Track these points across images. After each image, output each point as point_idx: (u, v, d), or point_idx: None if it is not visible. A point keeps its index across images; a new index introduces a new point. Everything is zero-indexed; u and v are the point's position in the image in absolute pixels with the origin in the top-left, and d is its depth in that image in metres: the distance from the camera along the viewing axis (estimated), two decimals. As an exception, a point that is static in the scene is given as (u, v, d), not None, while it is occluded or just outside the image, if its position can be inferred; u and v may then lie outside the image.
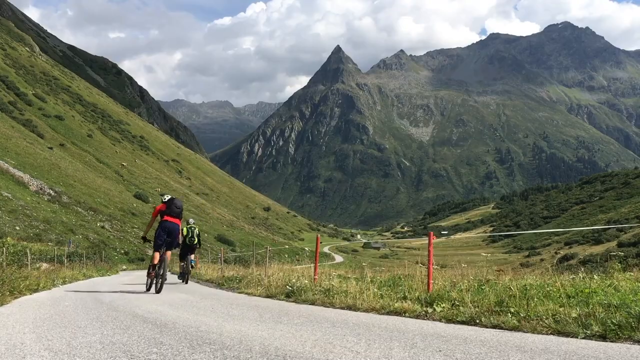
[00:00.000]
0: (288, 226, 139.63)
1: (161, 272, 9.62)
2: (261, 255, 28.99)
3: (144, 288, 10.58)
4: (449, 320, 5.12)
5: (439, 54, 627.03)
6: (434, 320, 5.27)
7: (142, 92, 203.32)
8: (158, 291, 9.51)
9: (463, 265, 8.66)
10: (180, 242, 14.15)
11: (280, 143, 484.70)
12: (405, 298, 6.27)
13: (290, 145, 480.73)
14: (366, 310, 6.27)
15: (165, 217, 9.80)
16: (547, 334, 4.15)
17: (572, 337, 3.98)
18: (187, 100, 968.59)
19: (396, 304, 6.02)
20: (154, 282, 9.81)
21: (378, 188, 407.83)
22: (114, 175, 75.10)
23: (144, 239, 10.60)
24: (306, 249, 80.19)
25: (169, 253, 9.99)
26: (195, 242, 14.83)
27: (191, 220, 15.45)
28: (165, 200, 10.04)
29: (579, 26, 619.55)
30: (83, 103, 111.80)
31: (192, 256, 15.29)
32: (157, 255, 9.59)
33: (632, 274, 6.44)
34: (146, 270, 11.74)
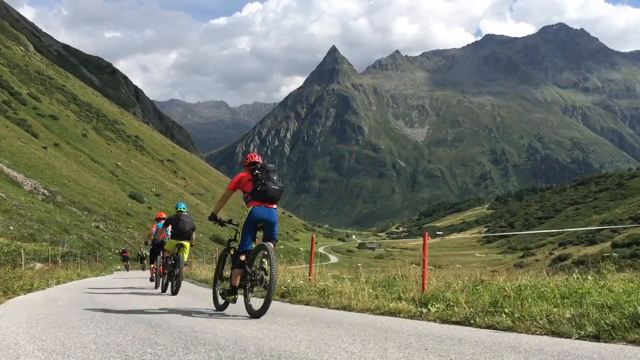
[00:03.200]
0: (283, 226, 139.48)
1: (127, 269, 31.82)
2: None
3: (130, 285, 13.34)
4: (444, 321, 5.14)
5: (435, 55, 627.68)
6: (428, 320, 5.28)
7: (137, 92, 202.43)
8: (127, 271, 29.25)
9: (457, 265, 8.68)
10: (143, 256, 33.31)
11: (276, 143, 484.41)
12: (400, 299, 6.28)
13: (286, 145, 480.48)
14: (361, 311, 6.27)
15: (124, 254, 33.47)
16: (541, 335, 4.18)
17: (565, 337, 3.99)
18: (183, 100, 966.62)
19: (391, 305, 6.03)
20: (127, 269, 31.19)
21: (373, 188, 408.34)
22: (109, 175, 74.86)
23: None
24: (301, 249, 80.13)
25: (127, 262, 33.38)
26: (145, 258, 30.52)
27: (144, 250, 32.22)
28: (122, 251, 34.99)
29: (574, 27, 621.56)
30: (78, 102, 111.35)
31: (146, 263, 29.81)
32: (123, 264, 33.21)
33: (625, 274, 6.46)
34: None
